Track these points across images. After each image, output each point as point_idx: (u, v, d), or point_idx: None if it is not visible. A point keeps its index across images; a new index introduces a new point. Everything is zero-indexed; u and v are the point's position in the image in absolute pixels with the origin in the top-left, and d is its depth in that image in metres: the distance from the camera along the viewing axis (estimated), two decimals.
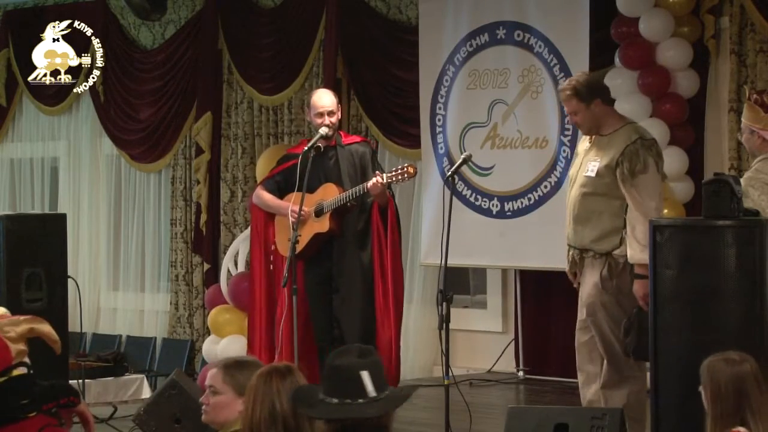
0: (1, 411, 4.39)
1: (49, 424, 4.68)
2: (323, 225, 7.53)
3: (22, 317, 5.37)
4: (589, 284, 6.60)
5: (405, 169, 7.35)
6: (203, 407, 4.30)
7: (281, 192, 7.70)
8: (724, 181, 5.55)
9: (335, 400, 3.48)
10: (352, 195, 7.44)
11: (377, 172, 7.39)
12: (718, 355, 4.55)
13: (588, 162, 6.64)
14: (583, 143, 6.93)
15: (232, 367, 4.26)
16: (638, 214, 6.34)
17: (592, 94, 6.69)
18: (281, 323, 7.67)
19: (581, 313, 6.67)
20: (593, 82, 6.80)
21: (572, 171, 6.89)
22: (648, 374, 5.79)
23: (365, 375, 3.49)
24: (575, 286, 6.77)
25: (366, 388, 3.49)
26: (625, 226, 6.47)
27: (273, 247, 7.82)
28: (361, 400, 3.47)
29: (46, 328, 5.36)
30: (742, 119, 6.48)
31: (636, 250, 6.26)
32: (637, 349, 6.18)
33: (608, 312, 6.50)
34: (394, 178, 7.32)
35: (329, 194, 7.55)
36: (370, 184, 7.32)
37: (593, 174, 6.56)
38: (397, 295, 7.54)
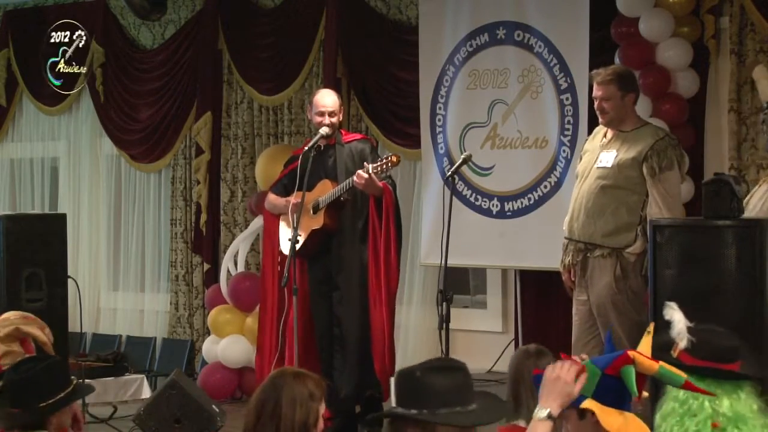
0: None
1: None
2: (318, 221, 7.56)
3: (22, 315, 5.39)
4: (599, 285, 6.59)
5: (388, 158, 7.40)
6: None
7: (288, 194, 7.76)
8: (724, 181, 5.56)
9: None
10: (343, 189, 7.49)
11: (365, 163, 7.42)
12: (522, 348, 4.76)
13: (605, 155, 6.66)
14: (594, 140, 6.94)
15: None
16: (662, 207, 6.38)
17: (631, 85, 6.76)
18: (281, 323, 7.69)
19: (586, 315, 6.66)
20: (633, 76, 6.86)
21: (583, 166, 6.89)
22: None
23: None
24: (571, 279, 6.76)
25: None
26: (639, 223, 6.49)
27: (278, 248, 7.85)
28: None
29: (32, 329, 5.39)
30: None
31: None
32: None
33: (619, 312, 6.51)
34: (378, 169, 7.35)
35: (325, 191, 7.60)
36: (355, 178, 7.36)
37: (612, 165, 6.57)
38: (389, 281, 7.53)
